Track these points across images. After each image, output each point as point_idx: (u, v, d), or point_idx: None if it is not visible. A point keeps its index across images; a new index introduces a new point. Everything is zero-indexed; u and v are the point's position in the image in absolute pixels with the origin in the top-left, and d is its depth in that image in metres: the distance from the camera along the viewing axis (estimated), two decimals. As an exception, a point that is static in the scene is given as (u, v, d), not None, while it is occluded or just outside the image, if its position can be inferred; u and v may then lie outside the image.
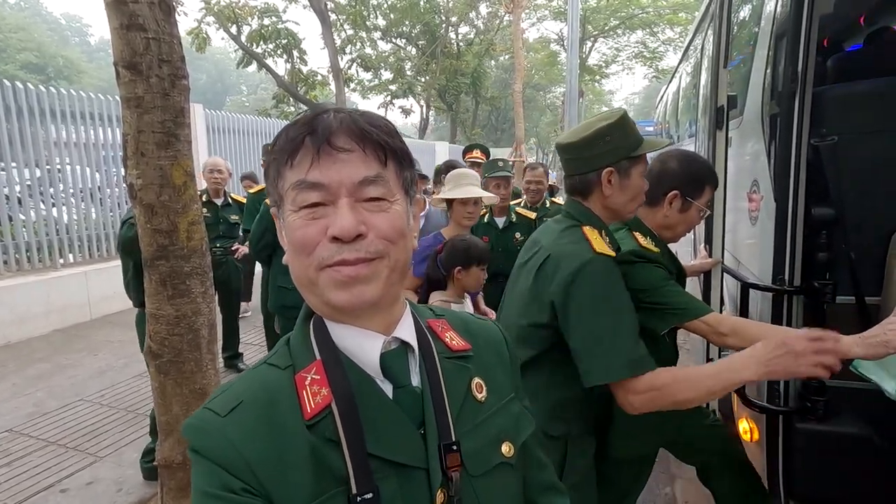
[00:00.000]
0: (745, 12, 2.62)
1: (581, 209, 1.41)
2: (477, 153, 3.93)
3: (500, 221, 3.03)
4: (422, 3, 19.25)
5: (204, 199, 3.68)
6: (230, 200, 3.79)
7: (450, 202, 2.27)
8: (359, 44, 17.99)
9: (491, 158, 3.57)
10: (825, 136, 1.83)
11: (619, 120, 1.35)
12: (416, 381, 0.60)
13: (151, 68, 1.41)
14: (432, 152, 14.49)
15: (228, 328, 3.83)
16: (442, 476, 0.56)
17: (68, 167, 5.38)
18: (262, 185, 3.91)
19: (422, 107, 22.39)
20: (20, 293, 4.71)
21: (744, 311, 2.00)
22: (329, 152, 0.54)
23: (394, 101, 20.62)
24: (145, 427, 3.10)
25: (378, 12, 18.52)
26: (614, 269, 1.26)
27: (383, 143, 0.57)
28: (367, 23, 17.71)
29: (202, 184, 3.86)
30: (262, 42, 14.60)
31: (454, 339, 0.67)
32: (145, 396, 3.55)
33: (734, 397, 2.50)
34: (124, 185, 5.99)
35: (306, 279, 0.56)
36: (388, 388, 0.58)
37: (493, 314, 2.20)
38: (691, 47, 5.71)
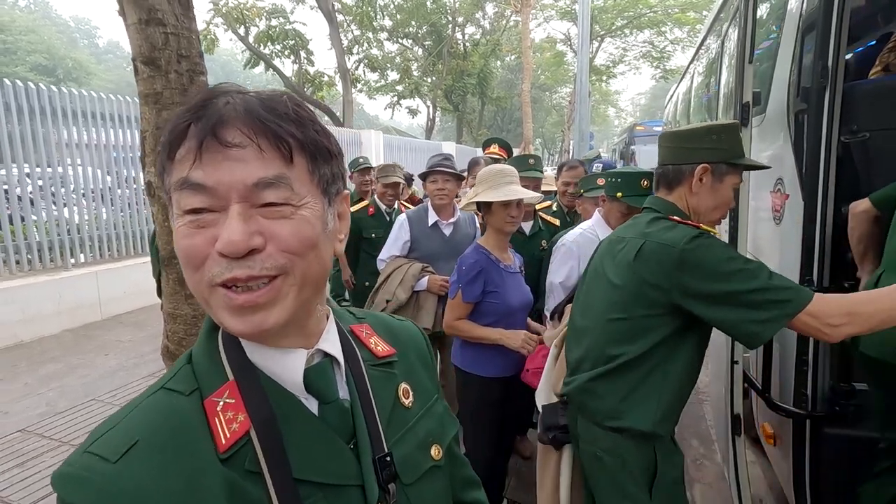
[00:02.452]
0: (766, 7, 2.57)
1: (664, 203, 1.40)
2: (495, 148, 3.68)
3: (527, 227, 2.69)
4: (428, 3, 19.26)
5: None
6: None
7: (485, 205, 1.92)
8: (365, 44, 18.02)
9: (520, 154, 3.35)
10: (856, 133, 1.78)
11: (732, 125, 1.39)
12: (343, 393, 0.55)
13: (170, 63, 1.39)
14: (438, 152, 14.46)
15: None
16: (378, 490, 0.53)
17: (79, 168, 5.39)
18: None
19: (428, 107, 22.40)
20: (31, 293, 4.73)
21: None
22: (216, 147, 0.45)
23: (400, 101, 20.62)
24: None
25: (385, 13, 18.54)
26: (719, 240, 1.26)
27: (287, 136, 0.47)
28: (374, 23, 17.72)
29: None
30: (269, 43, 14.65)
31: (379, 345, 0.63)
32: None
33: (756, 400, 2.45)
34: (134, 185, 6.04)
35: (200, 296, 0.48)
36: (313, 406, 0.53)
37: (544, 331, 2.06)
38: (703, 46, 5.65)
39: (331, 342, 0.56)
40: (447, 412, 0.68)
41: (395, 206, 3.28)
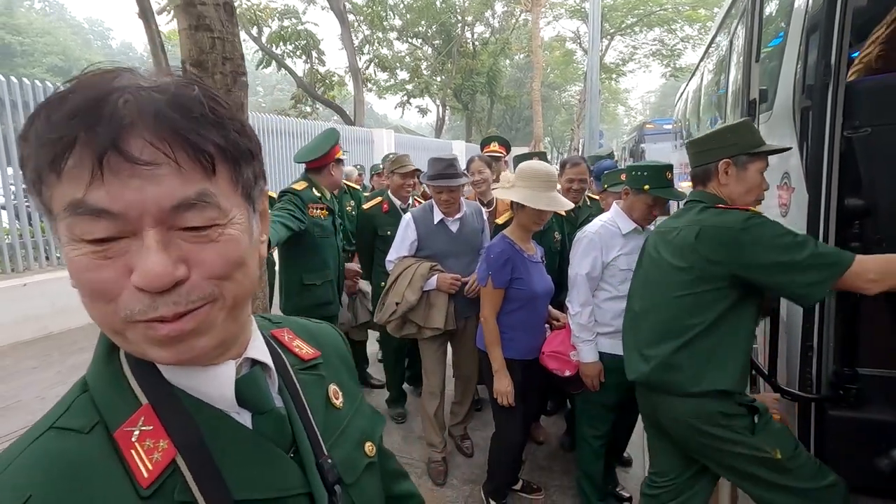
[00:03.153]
0: (773, 6, 2.64)
1: (707, 195, 1.60)
2: (495, 146, 3.67)
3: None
4: (438, 2, 19.35)
5: None
6: None
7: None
8: (376, 44, 18.15)
9: (525, 152, 3.22)
10: (858, 128, 1.85)
11: (745, 122, 1.58)
12: (276, 401, 0.52)
13: (216, 66, 1.51)
14: (448, 150, 14.56)
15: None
16: (327, 495, 0.51)
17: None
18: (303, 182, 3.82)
19: (438, 106, 22.50)
20: (59, 286, 4.91)
21: (775, 299, 2.04)
22: (120, 164, 0.37)
23: (410, 100, 20.75)
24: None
25: (395, 12, 18.66)
26: (769, 218, 1.47)
27: (208, 146, 0.40)
28: (384, 23, 17.85)
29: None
30: (282, 43, 14.83)
31: (303, 348, 0.61)
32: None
33: (763, 387, 2.52)
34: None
35: (109, 329, 0.42)
36: (246, 419, 0.48)
37: (564, 316, 2.19)
38: (713, 44, 5.69)
39: (259, 349, 0.52)
40: (374, 409, 0.68)
41: (410, 201, 3.11)
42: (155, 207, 0.38)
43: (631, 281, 1.80)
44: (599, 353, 2.07)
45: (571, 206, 2.12)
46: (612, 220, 2.07)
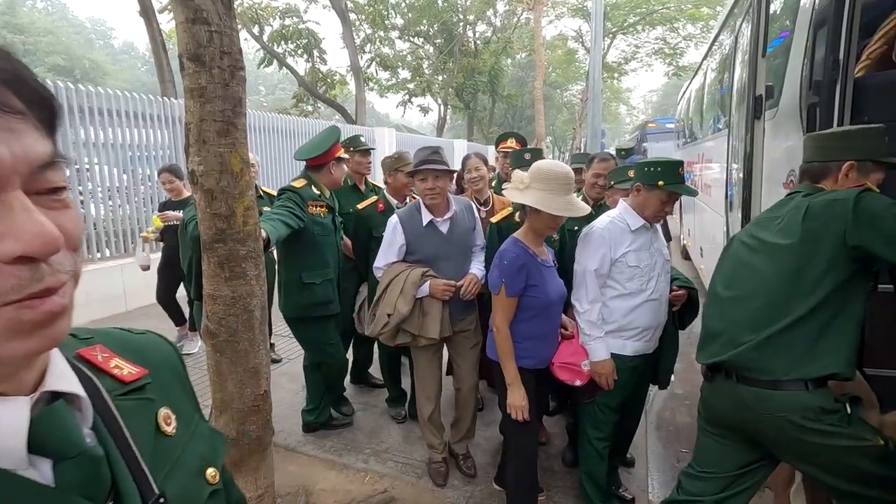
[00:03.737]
0: (779, 3, 2.61)
1: (815, 188, 1.56)
2: (512, 142, 3.62)
3: None
4: (439, 2, 19.32)
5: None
6: (262, 193, 3.88)
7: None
8: (377, 43, 18.13)
9: (519, 149, 3.13)
10: (866, 124, 1.82)
11: (877, 128, 1.52)
12: (89, 440, 0.41)
13: (214, 60, 1.48)
14: (451, 149, 14.53)
15: (260, 319, 3.94)
16: None
17: (96, 167, 5.49)
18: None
19: (439, 105, 22.47)
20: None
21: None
22: None
23: (412, 99, 20.73)
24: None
25: (396, 11, 18.63)
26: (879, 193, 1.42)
27: (49, 97, 0.37)
28: (386, 22, 17.83)
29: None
30: (283, 42, 14.82)
31: (123, 368, 0.51)
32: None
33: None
34: (149, 183, 6.16)
35: None
36: (44, 469, 0.38)
37: (572, 324, 2.10)
38: (716, 43, 5.65)
39: (62, 376, 0.42)
40: (212, 430, 0.60)
41: (408, 201, 2.94)
42: (25, 165, 0.33)
43: (715, 272, 1.72)
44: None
45: (588, 210, 2.00)
46: (620, 217, 2.03)
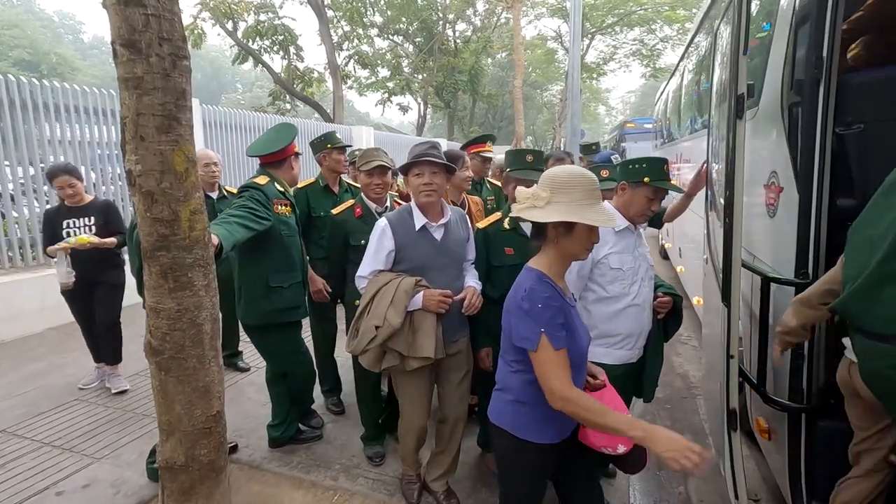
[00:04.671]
0: (758, 0, 2.56)
1: None
2: (489, 146, 3.45)
3: (527, 227, 2.32)
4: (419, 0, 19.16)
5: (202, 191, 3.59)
6: (226, 193, 3.70)
7: (562, 223, 1.41)
8: (356, 40, 17.89)
9: (518, 149, 2.57)
10: (850, 125, 1.77)
11: None
12: None
13: (151, 47, 1.33)
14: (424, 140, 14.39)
15: (227, 325, 3.73)
16: None
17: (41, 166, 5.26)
18: (309, 178, 3.36)
19: (419, 104, 22.32)
20: (14, 290, 4.62)
21: (764, 305, 1.95)
22: None
23: (391, 98, 20.52)
24: (143, 427, 3.02)
25: (375, 9, 18.41)
26: None
27: None
28: (364, 19, 17.59)
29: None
30: (258, 38, 14.49)
31: None
32: (142, 396, 3.47)
33: (749, 394, 2.44)
34: (120, 182, 5.92)
35: None
36: None
37: (601, 372, 1.71)
38: (693, 44, 5.65)
39: None
40: None
41: (389, 203, 2.68)
42: None
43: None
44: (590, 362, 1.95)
45: (619, 220, 1.85)
46: None
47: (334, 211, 2.63)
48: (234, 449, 2.71)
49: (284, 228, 2.46)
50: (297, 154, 2.57)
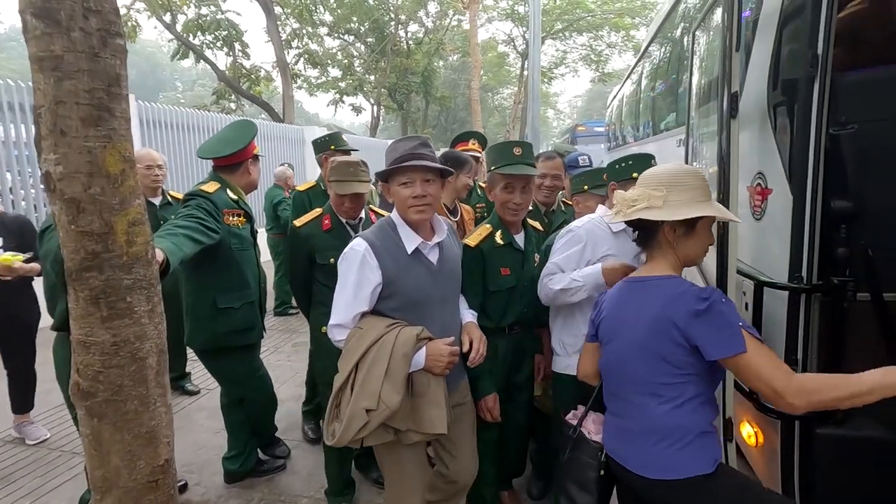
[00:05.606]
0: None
1: None
2: (474, 144, 3.17)
3: (521, 239, 1.98)
4: (370, -1, 18.83)
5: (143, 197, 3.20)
6: (170, 199, 3.32)
7: (682, 223, 1.32)
8: (305, 39, 17.33)
9: (502, 142, 2.12)
10: (844, 125, 1.74)
11: None
12: None
13: (74, 19, 1.07)
14: (385, 150, 14.13)
15: (172, 346, 3.36)
16: None
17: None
18: (310, 181, 3.21)
19: (372, 105, 21.93)
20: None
21: (757, 311, 1.89)
22: None
23: (343, 98, 20.03)
24: (74, 468, 2.63)
25: (325, 7, 17.91)
26: None
27: None
28: (314, 17, 17.07)
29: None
30: (200, 33, 13.70)
31: None
32: (70, 428, 3.04)
33: (733, 395, 2.40)
34: (42, 186, 5.30)
35: None
36: None
37: None
38: (647, 52, 5.77)
39: None
40: None
41: (364, 215, 2.31)
42: None
43: None
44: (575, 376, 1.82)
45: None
46: (599, 219, 1.90)
47: (297, 222, 2.24)
48: (182, 488, 2.39)
49: (236, 242, 2.19)
50: (256, 157, 2.30)
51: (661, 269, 1.37)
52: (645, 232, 1.38)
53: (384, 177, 1.60)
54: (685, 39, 3.54)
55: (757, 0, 2.11)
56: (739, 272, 2.02)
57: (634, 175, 1.83)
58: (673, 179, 1.32)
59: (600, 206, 1.96)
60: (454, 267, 1.70)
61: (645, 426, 1.33)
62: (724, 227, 1.83)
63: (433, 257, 1.62)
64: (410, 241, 1.58)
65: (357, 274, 1.52)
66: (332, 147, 2.98)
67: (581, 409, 1.65)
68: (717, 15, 2.26)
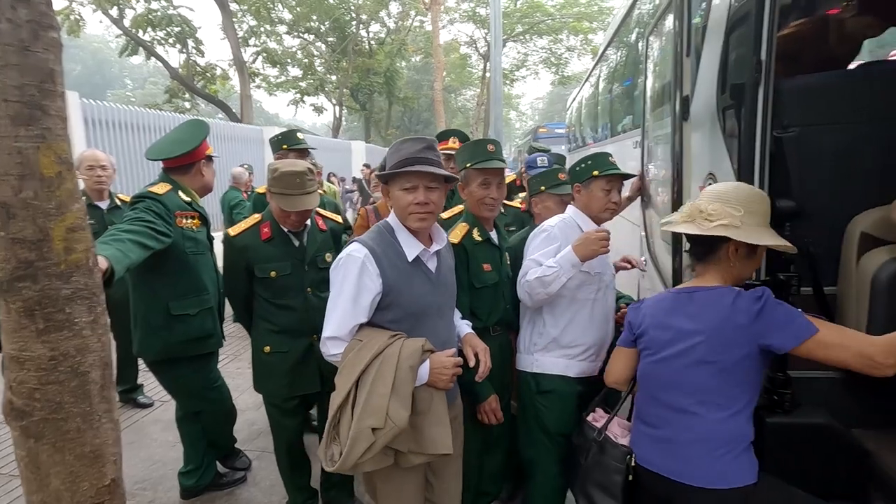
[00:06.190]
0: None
1: None
2: (454, 142, 3.05)
3: (494, 236, 1.99)
4: (330, -2, 18.55)
5: (84, 202, 3.01)
6: (118, 202, 3.16)
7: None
8: (263, 37, 16.90)
9: (475, 140, 2.11)
10: (787, 128, 1.83)
11: None
12: None
13: (1, 10, 0.99)
14: (348, 151, 13.95)
15: (124, 357, 3.19)
16: None
17: None
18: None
19: (334, 105, 21.61)
20: None
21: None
22: None
23: (304, 98, 19.64)
24: (11, 492, 2.45)
25: (283, 5, 17.51)
26: None
27: None
28: (272, 15, 16.67)
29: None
30: (150, 29, 13.13)
31: None
32: (5, 447, 2.84)
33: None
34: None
35: None
36: None
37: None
38: (604, 56, 5.92)
39: None
40: None
41: (310, 221, 2.10)
42: None
43: None
44: (552, 374, 1.83)
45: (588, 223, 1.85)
46: (570, 219, 1.90)
47: (231, 231, 2.02)
48: (135, 507, 2.27)
49: (191, 245, 2.09)
50: (209, 158, 2.20)
51: (711, 283, 1.40)
52: (706, 246, 1.40)
53: (385, 179, 1.49)
54: (640, 44, 3.65)
55: (706, 7, 2.20)
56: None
57: (595, 173, 1.85)
58: (748, 201, 1.37)
59: (570, 206, 1.95)
60: (451, 276, 1.62)
61: (699, 435, 1.34)
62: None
63: (432, 266, 1.53)
64: (411, 248, 1.47)
65: (356, 282, 1.40)
66: (285, 147, 2.81)
67: (599, 411, 1.66)
68: (669, 21, 2.34)
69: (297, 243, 2.03)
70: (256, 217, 2.05)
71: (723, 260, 1.38)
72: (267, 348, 2.01)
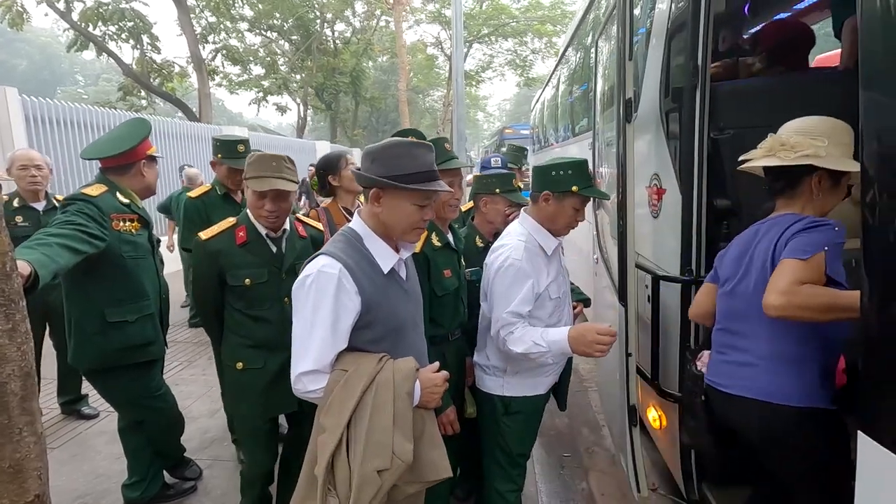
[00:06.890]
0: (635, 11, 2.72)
1: None
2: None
3: (451, 239, 1.93)
4: (294, -5, 18.23)
5: (17, 203, 2.86)
6: (55, 203, 3.00)
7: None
8: (223, 34, 16.44)
9: (434, 138, 1.89)
10: (722, 130, 1.91)
11: None
12: None
13: None
14: (313, 151, 13.74)
15: (66, 367, 3.04)
16: None
17: None
18: (205, 185, 2.84)
19: (298, 105, 21.24)
20: None
21: (656, 302, 2.03)
22: None
23: (267, 97, 19.22)
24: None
25: (244, 1, 17.09)
26: None
27: None
28: (232, 11, 16.24)
29: (11, 185, 3.02)
30: (101, 23, 12.57)
31: None
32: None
33: (638, 384, 2.56)
34: None
35: None
36: None
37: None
38: (564, 57, 6.04)
39: None
40: None
41: (290, 226, 1.97)
42: None
43: None
44: (522, 396, 1.78)
45: (550, 241, 1.75)
46: (530, 240, 1.70)
47: (203, 234, 1.88)
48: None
49: (129, 249, 2.00)
50: (151, 158, 2.11)
51: (813, 209, 1.39)
52: (788, 179, 1.41)
53: (385, 185, 1.27)
54: (591, 48, 3.74)
55: (649, 13, 2.28)
56: (640, 266, 2.16)
57: (574, 189, 1.68)
58: (833, 132, 1.35)
59: (526, 217, 1.79)
60: (417, 284, 1.51)
61: (772, 351, 1.37)
62: (623, 223, 1.95)
63: (403, 274, 1.41)
64: (386, 258, 1.32)
65: (333, 303, 1.20)
66: (219, 156, 2.56)
67: (706, 353, 1.67)
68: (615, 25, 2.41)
69: (274, 249, 1.89)
70: (231, 220, 1.91)
71: (806, 192, 1.39)
72: (240, 364, 1.84)
